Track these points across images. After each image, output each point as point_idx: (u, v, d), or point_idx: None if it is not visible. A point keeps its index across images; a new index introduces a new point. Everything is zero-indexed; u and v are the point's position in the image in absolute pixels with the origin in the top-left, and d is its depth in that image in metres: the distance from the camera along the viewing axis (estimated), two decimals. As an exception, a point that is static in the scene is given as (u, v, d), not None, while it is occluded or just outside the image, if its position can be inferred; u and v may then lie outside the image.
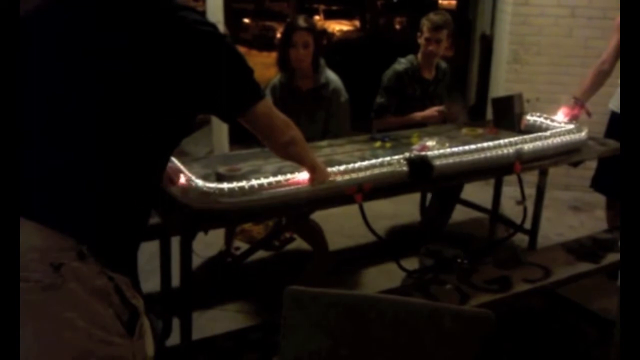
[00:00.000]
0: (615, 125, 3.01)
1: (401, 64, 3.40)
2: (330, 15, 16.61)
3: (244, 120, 1.50)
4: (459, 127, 3.05)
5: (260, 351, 2.27)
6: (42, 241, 1.14)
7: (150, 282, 2.45)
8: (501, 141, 2.41)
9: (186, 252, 1.98)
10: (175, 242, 2.06)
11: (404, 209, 3.86)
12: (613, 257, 2.63)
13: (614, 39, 2.91)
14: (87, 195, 1.21)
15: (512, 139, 2.44)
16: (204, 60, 1.32)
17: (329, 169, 2.00)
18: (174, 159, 1.90)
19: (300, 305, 1.48)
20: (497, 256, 2.54)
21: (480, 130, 2.88)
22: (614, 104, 3.04)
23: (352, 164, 2.08)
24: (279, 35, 4.30)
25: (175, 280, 2.19)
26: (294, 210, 2.11)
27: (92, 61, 1.23)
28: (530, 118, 2.84)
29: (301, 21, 2.91)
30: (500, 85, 4.55)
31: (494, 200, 3.40)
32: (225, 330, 2.49)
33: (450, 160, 2.25)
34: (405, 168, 2.13)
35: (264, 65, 7.34)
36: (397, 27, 15.41)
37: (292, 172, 1.94)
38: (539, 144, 2.47)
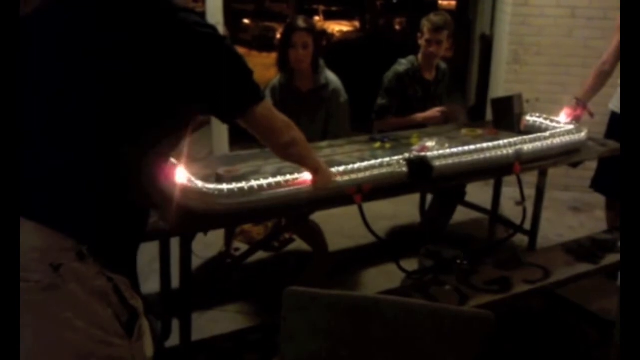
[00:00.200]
0: (616, 125, 3.01)
1: (402, 65, 3.39)
2: (330, 16, 16.58)
3: (244, 121, 1.50)
4: (458, 127, 3.05)
5: (260, 352, 2.27)
6: (42, 241, 1.14)
7: (150, 283, 2.46)
8: (501, 142, 2.41)
9: (186, 253, 1.98)
10: (175, 243, 2.06)
11: (404, 209, 3.86)
12: (612, 257, 2.63)
13: (614, 40, 2.91)
14: (87, 196, 1.21)
15: (511, 140, 2.43)
16: (203, 61, 1.32)
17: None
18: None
19: (300, 306, 1.48)
20: (496, 257, 2.54)
21: (479, 131, 2.88)
22: (614, 105, 3.04)
23: (351, 164, 2.07)
24: (278, 36, 4.30)
25: (175, 281, 2.19)
26: (293, 211, 2.10)
27: (92, 61, 1.24)
28: (530, 119, 2.84)
29: (301, 22, 2.90)
30: (500, 86, 4.54)
31: (494, 201, 3.40)
32: (225, 331, 2.49)
33: (450, 160, 2.25)
34: (404, 169, 2.13)
35: (264, 66, 7.34)
36: (397, 27, 15.40)
37: (291, 173, 1.94)
38: (538, 144, 2.47)
